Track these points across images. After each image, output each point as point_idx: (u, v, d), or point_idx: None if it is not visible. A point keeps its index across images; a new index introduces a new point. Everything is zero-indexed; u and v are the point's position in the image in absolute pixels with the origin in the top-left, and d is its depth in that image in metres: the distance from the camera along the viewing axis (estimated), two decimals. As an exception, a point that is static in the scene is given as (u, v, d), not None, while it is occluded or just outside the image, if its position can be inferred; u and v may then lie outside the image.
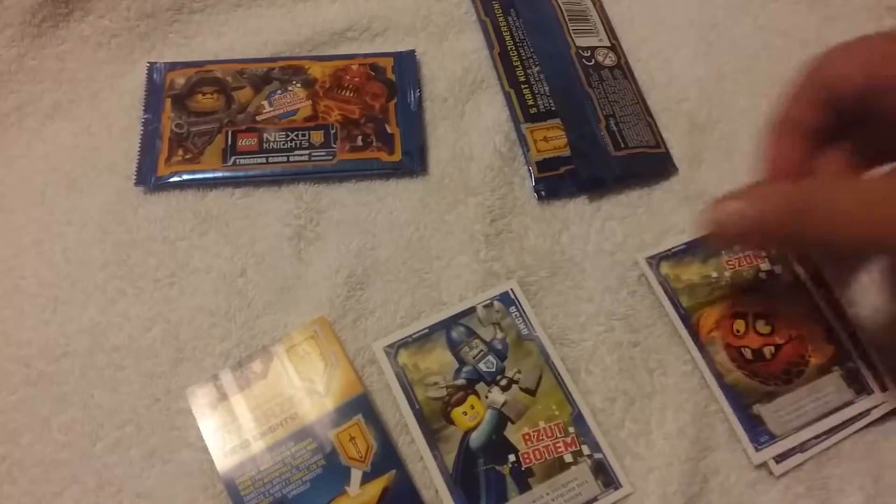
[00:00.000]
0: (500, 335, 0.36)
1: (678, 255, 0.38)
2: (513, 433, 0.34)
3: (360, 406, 0.34)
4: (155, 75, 0.41)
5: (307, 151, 0.40)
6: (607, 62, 0.43)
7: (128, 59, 0.42)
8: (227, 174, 0.39)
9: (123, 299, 0.36)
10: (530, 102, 0.41)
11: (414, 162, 0.40)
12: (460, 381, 0.35)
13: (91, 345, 0.36)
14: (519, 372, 0.35)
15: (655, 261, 0.38)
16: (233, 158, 0.39)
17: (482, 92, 0.43)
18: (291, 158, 0.39)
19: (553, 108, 0.41)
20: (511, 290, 0.37)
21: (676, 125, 0.42)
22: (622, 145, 0.40)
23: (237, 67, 0.42)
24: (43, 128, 0.40)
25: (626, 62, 0.43)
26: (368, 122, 0.40)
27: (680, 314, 0.36)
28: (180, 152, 0.39)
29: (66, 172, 0.39)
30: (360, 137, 0.40)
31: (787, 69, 0.45)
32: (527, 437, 0.33)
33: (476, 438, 0.34)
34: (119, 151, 0.40)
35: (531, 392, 0.35)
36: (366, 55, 0.43)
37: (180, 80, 0.41)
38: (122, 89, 0.41)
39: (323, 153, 0.40)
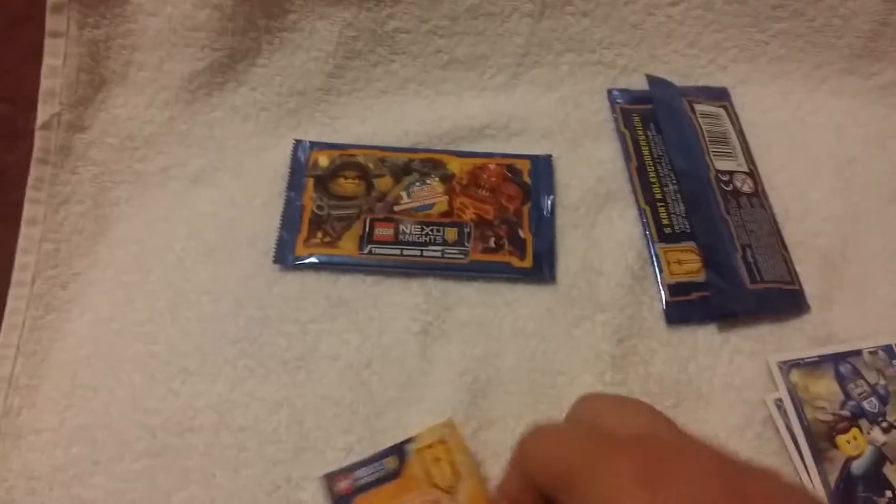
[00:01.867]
0: (882, 381, 0.38)
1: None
2: (891, 472, 0.35)
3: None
4: (300, 153, 0.42)
5: (440, 247, 0.40)
6: (745, 188, 0.42)
7: (274, 133, 0.43)
8: (361, 261, 0.39)
9: (252, 378, 0.37)
10: (665, 222, 0.41)
11: (544, 270, 0.40)
12: (845, 413, 0.37)
13: (217, 422, 0.36)
14: None
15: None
16: (369, 247, 0.40)
17: (615, 204, 0.43)
18: (425, 253, 0.40)
19: (688, 231, 0.41)
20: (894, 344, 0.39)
21: (809, 261, 0.41)
22: (758, 278, 0.39)
23: (379, 154, 0.42)
24: (186, 192, 0.41)
25: (764, 190, 0.43)
26: (502, 224, 0.41)
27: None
28: (319, 234, 0.40)
29: (205, 240, 0.40)
30: (492, 239, 0.40)
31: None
32: None
33: (857, 467, 0.35)
34: (259, 225, 0.40)
35: None
36: (503, 155, 0.43)
37: (324, 161, 0.42)
38: (267, 162, 0.42)
39: (455, 251, 0.40)
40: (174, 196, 0.41)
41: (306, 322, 0.38)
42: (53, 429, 0.36)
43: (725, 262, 0.40)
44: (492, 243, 0.40)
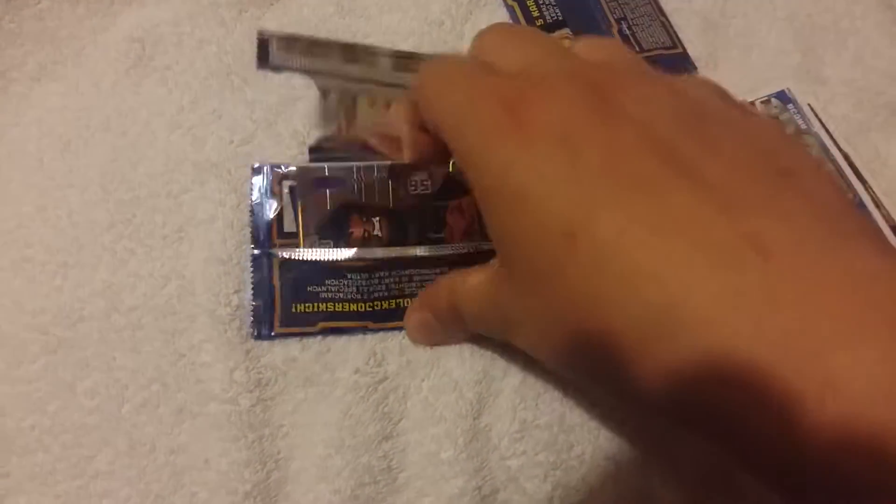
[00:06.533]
0: None
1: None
2: None
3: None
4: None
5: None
6: (613, -37, 0.40)
7: (108, 12, 0.40)
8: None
9: (134, 259, 0.36)
10: (535, 14, 0.39)
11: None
12: None
13: (107, 307, 0.35)
14: None
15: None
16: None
17: (481, 10, 0.40)
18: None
19: (561, 18, 0.39)
20: (787, 88, 0.37)
21: (689, 25, 0.40)
22: (638, 48, 0.38)
23: None
24: (30, 92, 0.39)
25: (633, -38, 0.40)
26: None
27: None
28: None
29: (59, 135, 0.38)
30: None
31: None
32: None
33: None
34: (110, 108, 0.38)
35: None
36: None
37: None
38: (106, 44, 0.39)
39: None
40: (19, 98, 0.39)
41: (178, 194, 0.37)
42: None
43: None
44: None
